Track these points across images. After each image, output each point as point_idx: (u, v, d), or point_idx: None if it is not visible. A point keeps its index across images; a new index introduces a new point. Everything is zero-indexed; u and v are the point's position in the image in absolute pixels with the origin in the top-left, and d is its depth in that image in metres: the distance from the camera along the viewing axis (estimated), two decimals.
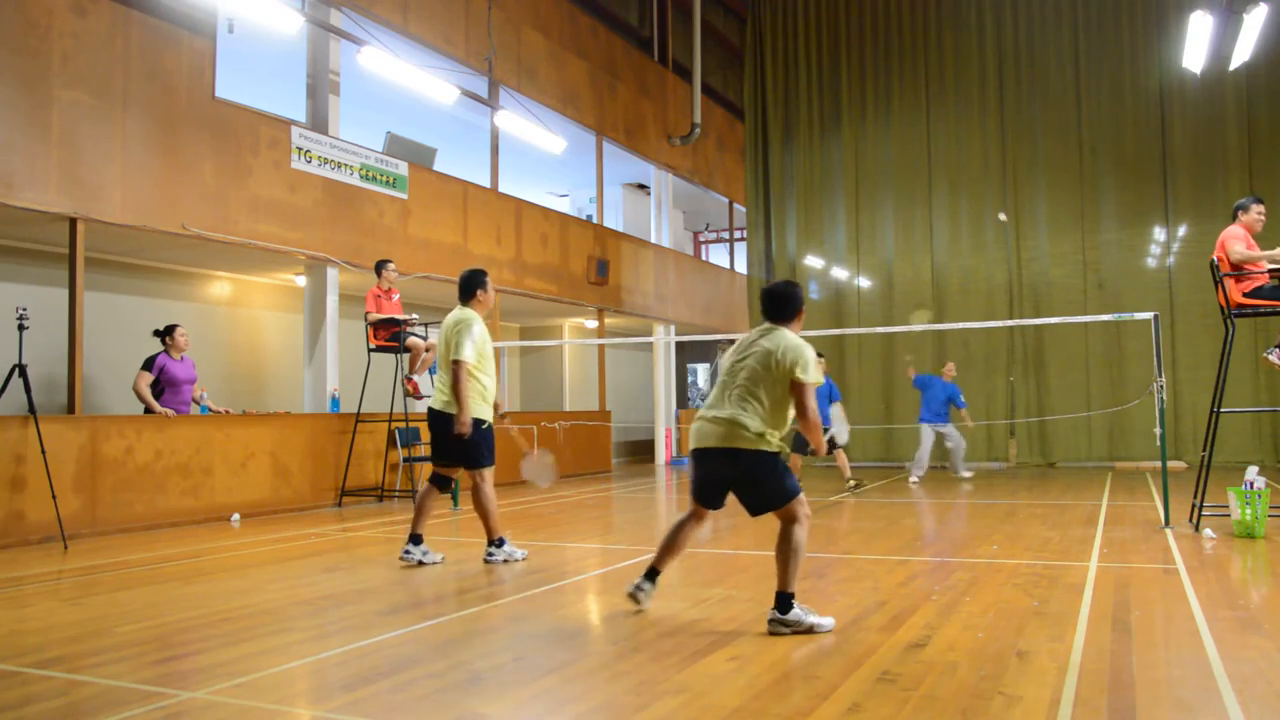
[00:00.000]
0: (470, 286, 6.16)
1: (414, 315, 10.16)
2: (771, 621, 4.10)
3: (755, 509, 4.29)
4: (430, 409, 6.13)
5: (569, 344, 17.78)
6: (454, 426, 5.88)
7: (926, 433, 12.11)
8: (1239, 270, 6.84)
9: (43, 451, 7.15)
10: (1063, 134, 14.88)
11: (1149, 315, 7.75)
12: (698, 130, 17.99)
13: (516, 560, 6.13)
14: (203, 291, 11.41)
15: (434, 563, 6.09)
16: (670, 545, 4.53)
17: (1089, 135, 14.73)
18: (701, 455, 4.32)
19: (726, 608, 4.65)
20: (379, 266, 9.93)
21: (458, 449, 5.98)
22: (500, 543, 6.13)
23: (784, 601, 4.10)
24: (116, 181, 8.40)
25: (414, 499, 10.21)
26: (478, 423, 5.95)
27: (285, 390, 12.17)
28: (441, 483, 6.21)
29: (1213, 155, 14.09)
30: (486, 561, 6.10)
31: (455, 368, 5.88)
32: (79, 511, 7.75)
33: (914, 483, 11.91)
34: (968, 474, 12.53)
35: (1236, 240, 6.82)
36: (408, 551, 6.10)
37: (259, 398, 11.91)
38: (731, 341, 20.47)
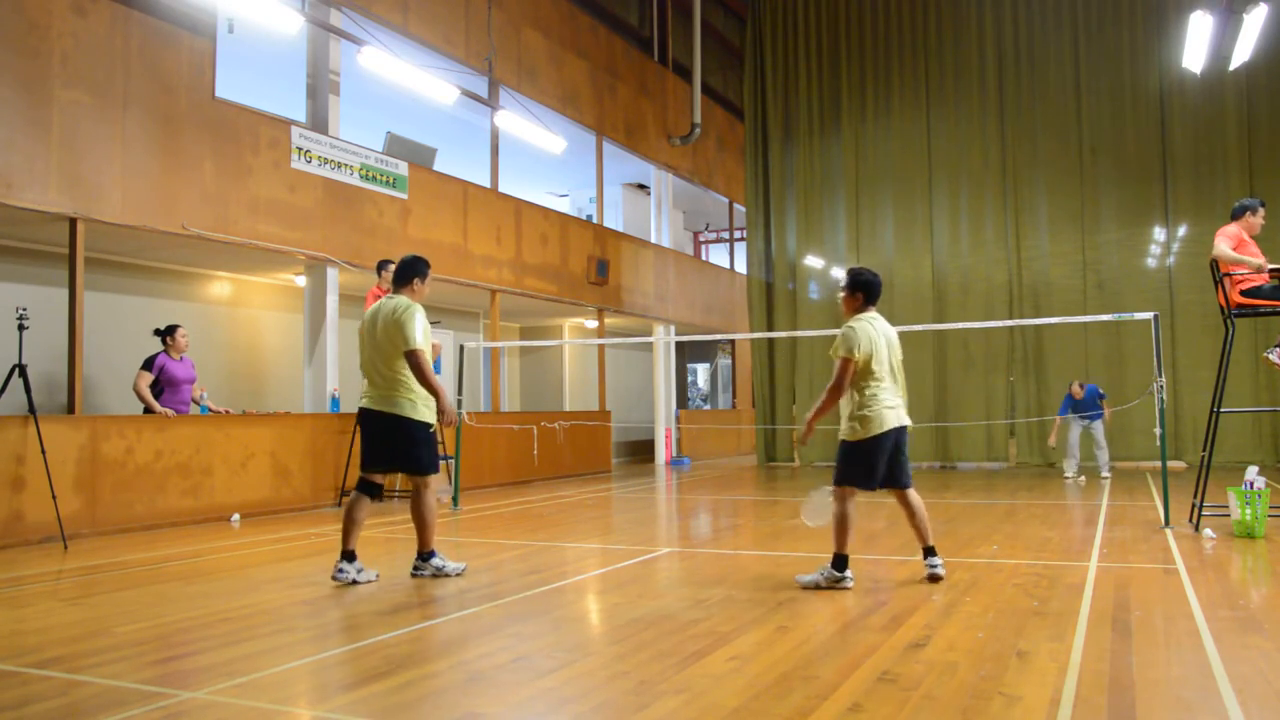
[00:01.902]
0: (408, 273, 5.62)
1: None
2: None
3: (905, 478, 5.41)
4: (365, 409, 5.52)
5: (569, 344, 17.78)
6: (398, 428, 5.40)
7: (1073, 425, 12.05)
8: (1213, 258, 6.87)
9: (43, 451, 7.15)
10: (1063, 134, 14.88)
11: (1149, 315, 7.76)
12: (698, 130, 17.99)
13: (448, 575, 5.57)
14: (203, 291, 11.41)
15: (369, 581, 5.48)
16: (913, 521, 5.39)
17: (1089, 135, 14.73)
18: (900, 433, 5.35)
19: (726, 608, 4.65)
20: (381, 266, 9.91)
21: (402, 454, 5.50)
22: (430, 555, 5.61)
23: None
24: (116, 181, 8.40)
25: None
26: (424, 426, 5.47)
27: (285, 390, 12.17)
28: (372, 490, 5.64)
29: (1213, 155, 14.09)
30: (414, 575, 5.60)
31: (411, 357, 5.34)
32: (79, 511, 7.75)
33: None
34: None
35: (1225, 239, 6.83)
36: (341, 570, 5.45)
37: (259, 398, 11.91)
38: (731, 343, 20.50)
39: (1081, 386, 11.99)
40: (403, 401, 5.42)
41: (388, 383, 5.43)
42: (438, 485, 5.58)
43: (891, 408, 5.26)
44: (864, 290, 5.40)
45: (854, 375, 5.24)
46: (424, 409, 5.47)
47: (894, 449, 5.28)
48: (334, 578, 5.47)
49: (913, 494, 5.37)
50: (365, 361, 5.56)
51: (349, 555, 5.49)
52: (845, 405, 5.39)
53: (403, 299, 5.51)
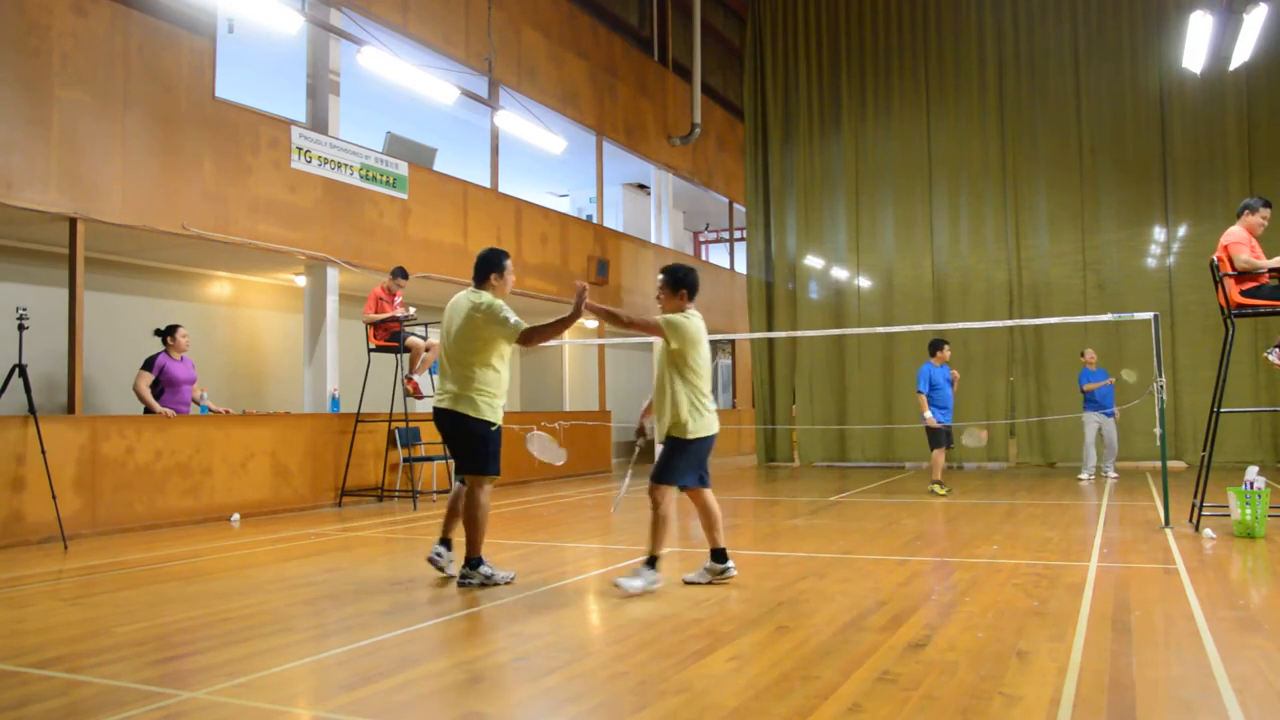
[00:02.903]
0: (485, 269, 5.48)
1: (411, 310, 10.16)
2: None
3: (708, 478, 5.61)
4: (437, 408, 5.47)
5: (569, 344, 17.77)
6: (461, 426, 5.33)
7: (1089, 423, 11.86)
8: (1240, 271, 6.85)
9: (43, 451, 7.15)
10: (1063, 134, 14.88)
11: (1149, 315, 7.75)
12: (698, 130, 17.99)
13: (497, 584, 5.38)
14: (203, 291, 11.41)
15: (505, 581, 5.48)
16: (707, 521, 5.48)
17: (1089, 135, 14.73)
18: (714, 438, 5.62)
19: (726, 608, 4.65)
20: (399, 273, 9.93)
21: (462, 451, 5.41)
22: (479, 562, 5.39)
23: None
24: (116, 181, 8.40)
25: (414, 500, 10.22)
26: (487, 425, 5.36)
27: (285, 390, 12.17)
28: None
29: (1213, 155, 14.09)
30: (461, 585, 5.37)
31: (525, 341, 5.23)
32: (79, 511, 7.75)
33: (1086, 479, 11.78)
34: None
35: (1241, 248, 6.81)
36: (438, 554, 5.62)
37: (259, 398, 11.91)
38: (731, 343, 20.51)
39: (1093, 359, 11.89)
40: (467, 400, 5.32)
41: (457, 380, 5.36)
42: (491, 490, 5.45)
43: (713, 411, 5.35)
44: (689, 288, 5.48)
45: (683, 370, 5.24)
46: (488, 408, 5.37)
47: (708, 450, 5.40)
48: (430, 560, 5.68)
49: (710, 494, 5.43)
50: (440, 359, 5.55)
51: (446, 543, 5.72)
52: (676, 402, 5.15)
53: (484, 295, 5.39)
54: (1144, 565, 5.68)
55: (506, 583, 5.42)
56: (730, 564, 5.34)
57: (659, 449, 5.36)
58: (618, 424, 17.08)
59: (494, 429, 5.37)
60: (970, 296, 15.22)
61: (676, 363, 5.22)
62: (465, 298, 5.44)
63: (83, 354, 8.23)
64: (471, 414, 5.31)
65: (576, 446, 14.57)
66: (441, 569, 5.61)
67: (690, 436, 5.17)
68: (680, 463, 5.20)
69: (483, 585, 5.34)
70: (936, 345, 10.55)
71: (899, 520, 8.20)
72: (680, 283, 5.44)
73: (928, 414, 10.26)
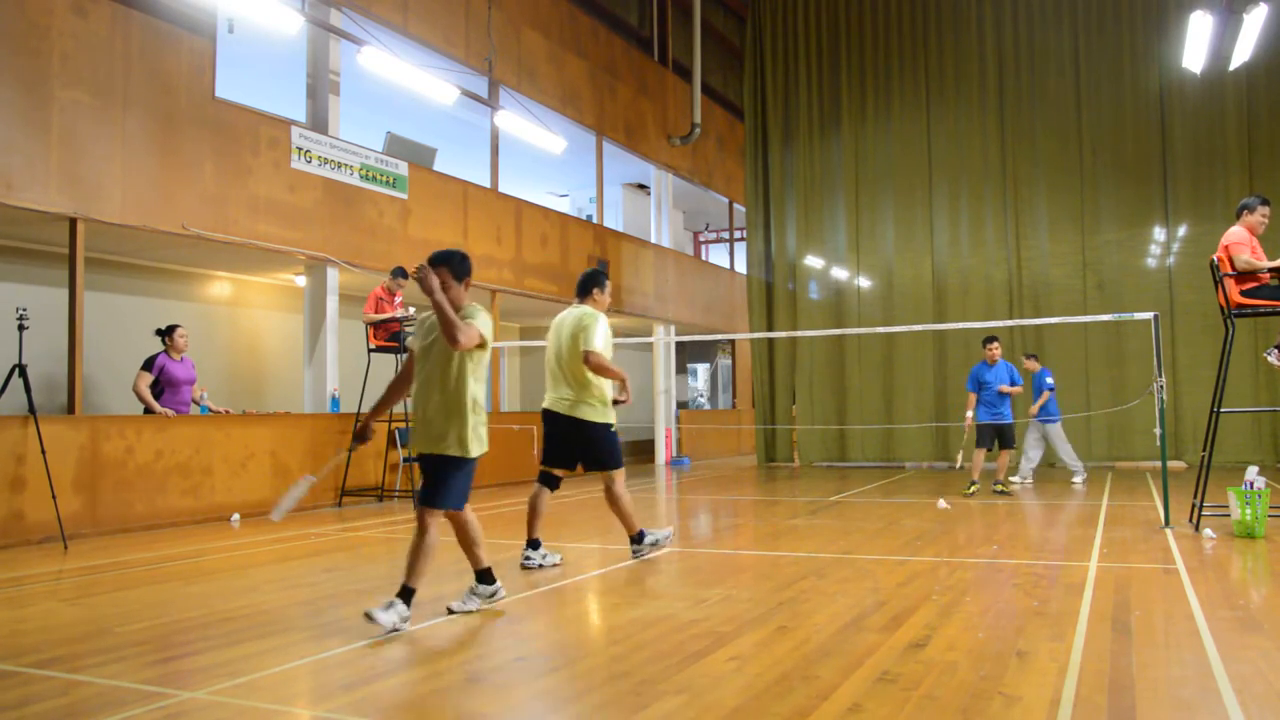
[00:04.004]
0: (588, 284, 6.16)
1: (411, 310, 10.16)
2: None
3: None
4: (548, 410, 6.04)
5: None
6: (582, 431, 5.91)
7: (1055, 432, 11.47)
8: (1240, 271, 6.85)
9: (43, 451, 7.15)
10: (1063, 134, 14.88)
11: (1149, 315, 7.75)
12: (698, 130, 17.99)
13: (662, 544, 6.22)
14: (203, 291, 11.41)
15: (554, 564, 5.99)
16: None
17: (1089, 135, 14.73)
18: None
19: (726, 608, 4.65)
20: (399, 273, 9.95)
21: (589, 455, 6.00)
22: (641, 536, 6.18)
23: None
24: (116, 181, 8.40)
25: (414, 500, 10.21)
26: (606, 426, 5.99)
27: (285, 390, 12.17)
28: (551, 482, 6.11)
29: (1213, 155, 14.08)
30: (635, 557, 6.17)
31: (587, 358, 5.79)
32: (79, 511, 7.75)
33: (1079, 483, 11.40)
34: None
35: (1241, 248, 6.81)
36: (528, 558, 5.95)
37: (259, 398, 11.91)
38: (731, 343, 20.45)
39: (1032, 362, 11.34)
40: (586, 406, 5.93)
41: (571, 387, 5.95)
42: (623, 478, 6.11)
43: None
44: (469, 274, 4.66)
45: (476, 375, 4.61)
46: (604, 410, 5.98)
47: None
48: (523, 565, 5.95)
49: (469, 509, 4.77)
50: (551, 366, 6.11)
51: (533, 543, 5.98)
52: (462, 412, 4.50)
53: (585, 307, 6.05)
54: (1144, 565, 5.68)
55: (667, 539, 6.30)
56: (499, 585, 4.76)
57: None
58: (618, 424, 17.06)
59: (612, 429, 6.02)
60: (970, 296, 15.22)
61: (466, 366, 4.52)
62: (572, 311, 6.07)
63: (83, 354, 8.22)
64: (592, 419, 5.93)
65: None
66: (539, 566, 5.96)
67: (475, 455, 4.55)
68: (463, 484, 4.56)
69: (653, 548, 6.22)
70: (985, 342, 10.49)
71: (899, 520, 8.20)
72: (465, 270, 4.59)
73: (968, 413, 10.32)
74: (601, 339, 5.87)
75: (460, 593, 4.84)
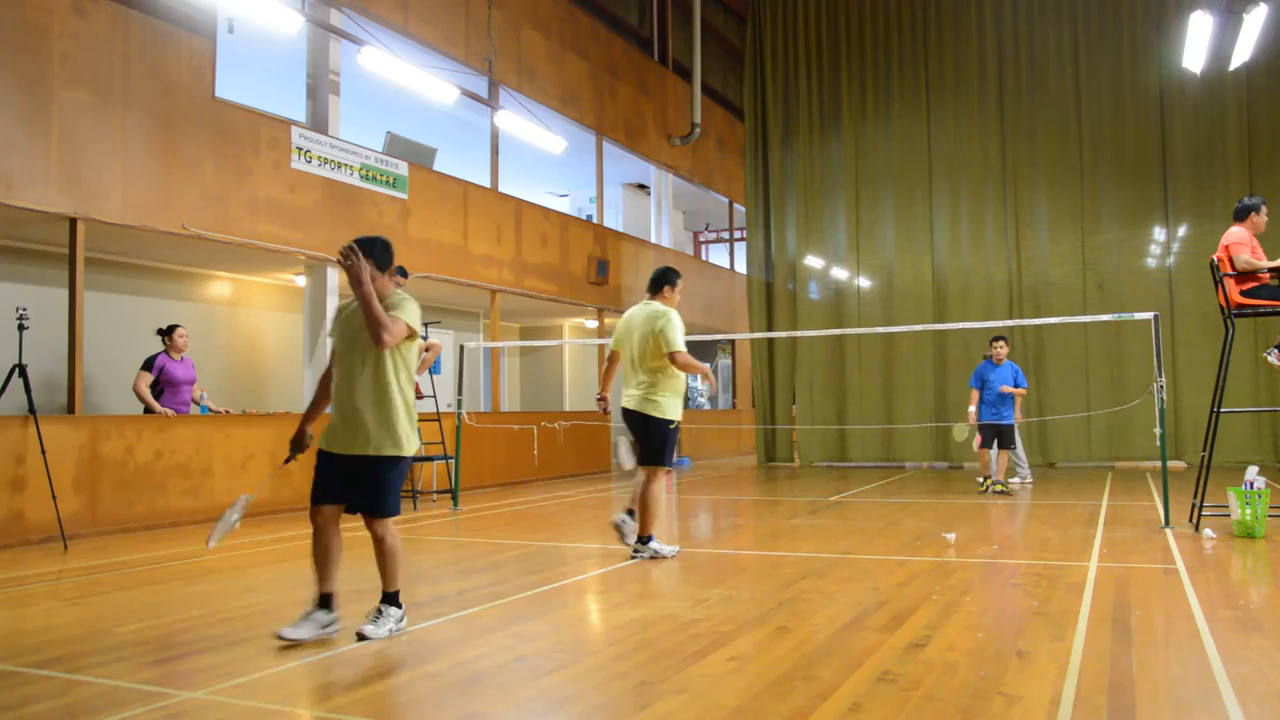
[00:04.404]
0: (659, 282, 6.35)
1: None
2: None
3: None
4: (624, 408, 6.26)
5: (569, 344, 17.78)
6: (647, 426, 6.09)
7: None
8: (1240, 271, 6.85)
9: (43, 451, 7.15)
10: (1063, 134, 14.88)
11: (1149, 315, 7.75)
12: (698, 130, 17.99)
13: (664, 557, 6.18)
14: (203, 291, 11.41)
15: (672, 554, 6.21)
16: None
17: (1089, 135, 14.73)
18: None
19: (726, 608, 4.65)
20: (399, 272, 9.94)
21: (647, 447, 6.16)
22: (649, 539, 6.23)
23: None
24: (116, 181, 8.40)
25: (414, 500, 10.22)
26: (668, 423, 6.13)
27: (285, 390, 12.17)
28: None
29: (1213, 155, 14.08)
30: (633, 557, 6.21)
31: (674, 358, 6.01)
32: (79, 511, 7.74)
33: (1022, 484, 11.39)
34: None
35: (1241, 248, 6.81)
36: (622, 520, 6.22)
37: (259, 398, 11.90)
38: (731, 343, 20.46)
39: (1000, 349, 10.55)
40: (652, 402, 6.12)
41: (641, 384, 6.16)
42: (664, 479, 6.27)
43: None
44: (390, 261, 4.49)
45: (408, 367, 4.39)
46: (670, 408, 6.15)
47: None
48: (614, 524, 6.24)
49: None
50: (625, 364, 6.33)
51: (631, 512, 6.23)
52: (394, 410, 4.24)
53: (657, 305, 6.23)
54: (1144, 565, 5.68)
55: (671, 556, 6.20)
56: (403, 610, 4.30)
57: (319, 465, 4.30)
58: (618, 424, 17.06)
59: (673, 426, 6.16)
60: (970, 296, 15.22)
61: (396, 361, 4.24)
62: (643, 308, 6.26)
63: (83, 354, 8.22)
64: (655, 414, 6.11)
65: (577, 446, 14.58)
66: (622, 535, 6.21)
67: (409, 452, 4.26)
68: (400, 484, 4.27)
69: (652, 558, 6.16)
70: (992, 340, 10.54)
71: (899, 520, 8.20)
72: (387, 260, 4.41)
73: (971, 409, 10.38)
74: (680, 337, 6.08)
75: (371, 612, 4.26)
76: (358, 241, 4.23)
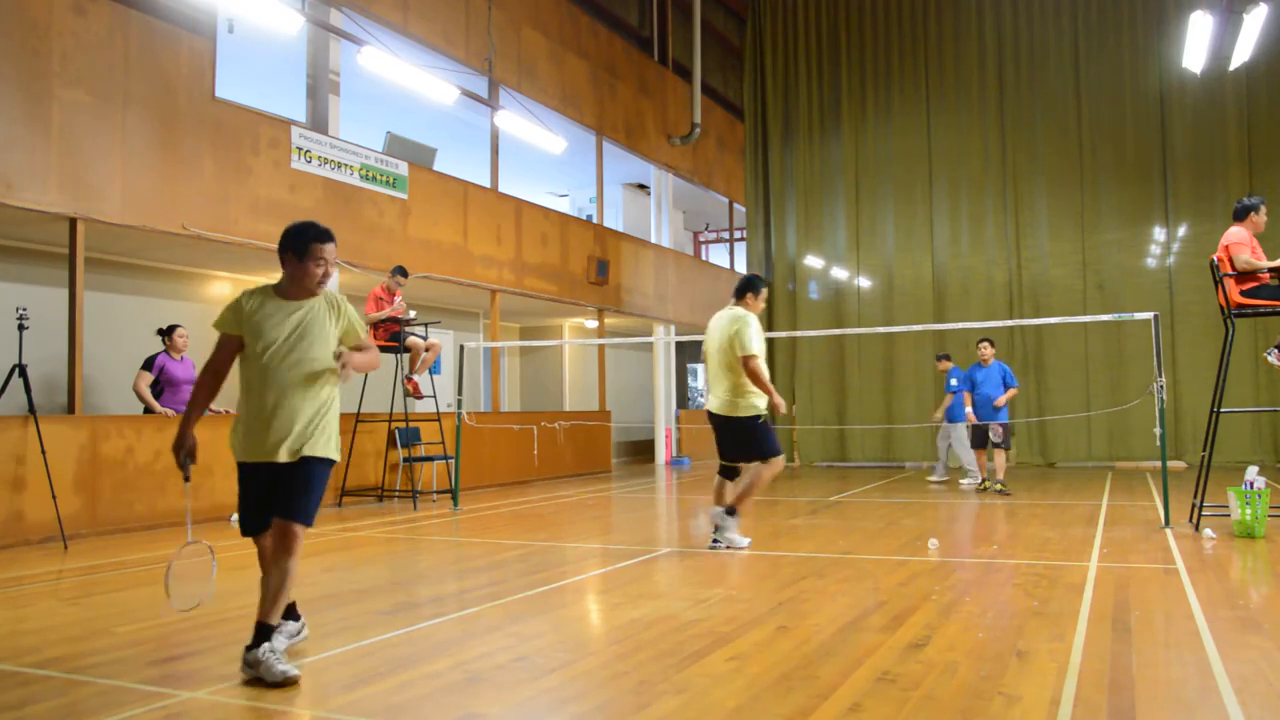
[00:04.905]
0: (744, 289, 6.61)
1: (412, 313, 10.16)
2: None
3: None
4: (709, 411, 6.55)
5: (569, 344, 17.78)
6: (736, 427, 6.35)
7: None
8: (1240, 271, 6.84)
9: (43, 451, 7.15)
10: (1063, 134, 14.88)
11: (1149, 315, 7.75)
12: (698, 130, 17.99)
13: (739, 548, 6.40)
14: (203, 291, 11.41)
15: (743, 547, 6.43)
16: None
17: (1089, 135, 14.73)
18: None
19: (726, 608, 4.65)
20: (399, 271, 9.95)
21: (745, 447, 6.44)
22: (731, 511, 6.47)
23: None
24: (116, 181, 8.40)
25: (414, 500, 10.23)
26: (756, 418, 6.36)
27: None
28: (730, 474, 6.63)
29: (1213, 155, 14.09)
30: (713, 534, 6.53)
31: (747, 362, 6.22)
32: (79, 511, 7.74)
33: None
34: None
35: (1241, 248, 6.81)
36: (715, 541, 6.51)
37: None
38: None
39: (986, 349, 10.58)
40: (732, 403, 6.38)
41: (724, 387, 6.40)
42: (781, 465, 6.48)
43: None
44: (293, 250, 3.96)
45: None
46: (751, 405, 6.37)
47: None
48: (711, 548, 6.50)
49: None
50: (710, 367, 6.58)
51: (730, 510, 6.49)
52: (328, 414, 3.87)
53: (738, 310, 6.48)
54: (1144, 565, 5.68)
55: (744, 547, 6.42)
56: (303, 621, 4.05)
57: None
58: (617, 424, 17.08)
59: (760, 419, 6.37)
60: (970, 296, 15.22)
61: (331, 363, 3.85)
62: (727, 312, 6.52)
63: (83, 354, 8.22)
64: (740, 414, 6.35)
65: (577, 446, 14.58)
66: (725, 548, 6.46)
67: (338, 456, 3.90)
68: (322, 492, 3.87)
69: (729, 543, 6.44)
70: (977, 343, 10.69)
71: (899, 520, 8.20)
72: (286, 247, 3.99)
73: (968, 410, 10.54)
74: (757, 341, 6.31)
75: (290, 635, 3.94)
76: (327, 232, 3.97)
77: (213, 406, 9.47)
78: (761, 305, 6.64)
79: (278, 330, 3.82)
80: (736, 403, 6.37)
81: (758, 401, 6.38)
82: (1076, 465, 14.35)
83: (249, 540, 3.85)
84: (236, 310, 3.94)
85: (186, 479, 3.88)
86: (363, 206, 10.97)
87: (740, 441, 6.47)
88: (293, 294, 3.95)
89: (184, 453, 3.85)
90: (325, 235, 3.94)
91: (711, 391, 6.56)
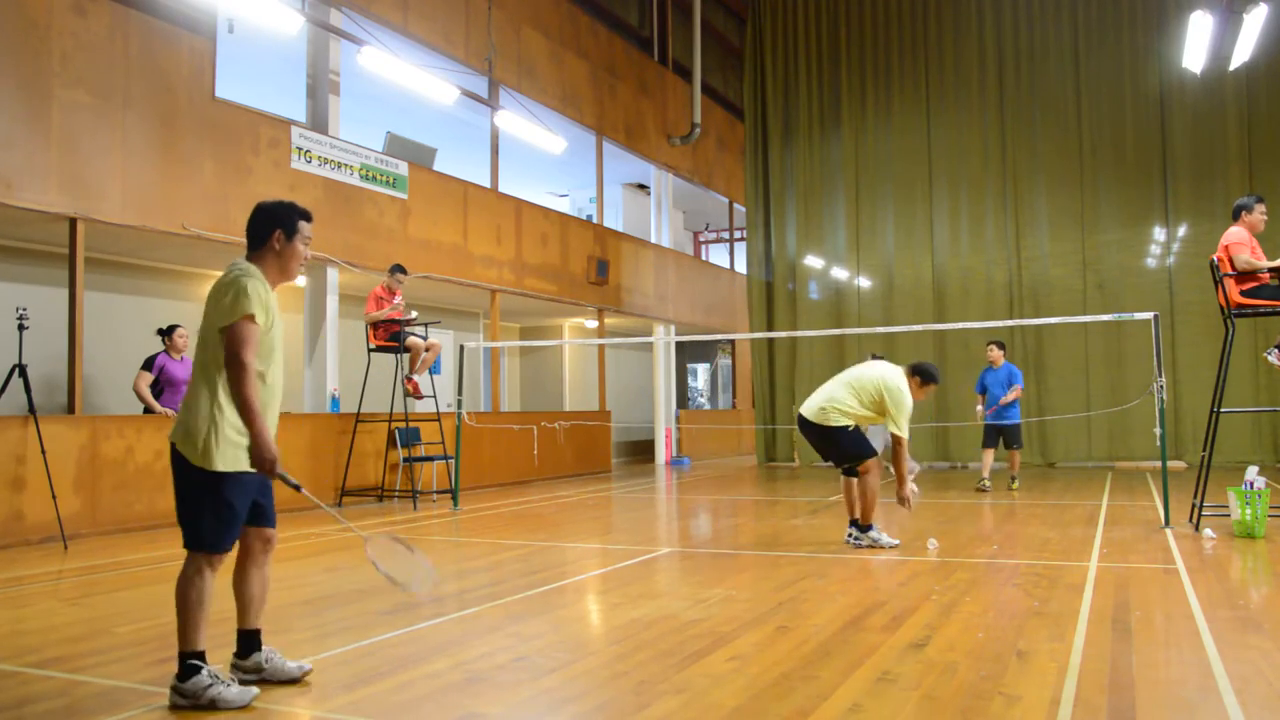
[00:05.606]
0: (916, 371, 6.73)
1: (414, 313, 10.16)
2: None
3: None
4: (800, 415, 6.83)
5: (569, 344, 17.78)
6: (826, 436, 6.60)
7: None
8: (1240, 271, 6.84)
9: (43, 451, 7.15)
10: (1063, 134, 14.88)
11: (1149, 315, 7.75)
12: (698, 130, 17.99)
13: (883, 547, 6.44)
14: (203, 291, 11.37)
15: (891, 545, 6.47)
16: None
17: (1089, 135, 14.72)
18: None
19: (726, 608, 4.65)
20: (397, 269, 9.96)
21: (838, 453, 6.70)
22: (868, 528, 6.57)
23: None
24: (116, 181, 8.40)
25: (414, 500, 10.23)
26: (844, 429, 6.58)
27: (285, 390, 12.14)
28: (850, 472, 6.73)
29: (1213, 155, 14.08)
30: (849, 542, 6.61)
31: (898, 442, 6.46)
32: (79, 511, 7.74)
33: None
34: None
35: (1241, 248, 6.81)
36: (852, 536, 6.61)
37: None
38: (731, 343, 20.51)
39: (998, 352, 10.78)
40: (824, 414, 6.62)
41: (831, 401, 6.63)
42: (879, 469, 6.68)
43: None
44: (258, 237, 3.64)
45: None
46: (843, 417, 6.58)
47: None
48: (846, 541, 6.64)
49: None
50: (832, 383, 6.81)
51: (855, 523, 6.64)
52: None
53: (903, 386, 6.53)
54: (1144, 565, 5.68)
55: (892, 547, 6.44)
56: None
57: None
58: (618, 424, 17.08)
59: (850, 429, 6.59)
60: (970, 296, 15.22)
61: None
62: (889, 375, 6.60)
63: (83, 354, 8.22)
64: (831, 424, 6.58)
65: (577, 446, 14.58)
66: (864, 545, 6.54)
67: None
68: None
69: (870, 547, 6.48)
70: (987, 345, 10.89)
71: (899, 520, 8.20)
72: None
73: (978, 408, 10.76)
74: (905, 421, 6.50)
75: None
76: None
77: (161, 406, 8.95)
78: (925, 396, 6.80)
79: (275, 323, 3.55)
80: (828, 413, 6.60)
81: (847, 417, 6.62)
82: (1076, 465, 14.35)
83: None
84: (259, 294, 3.43)
85: (298, 488, 3.55)
86: (363, 206, 10.97)
87: (837, 449, 6.70)
88: (273, 278, 3.55)
89: (279, 466, 3.49)
90: (309, 213, 3.64)
91: (814, 399, 6.78)
